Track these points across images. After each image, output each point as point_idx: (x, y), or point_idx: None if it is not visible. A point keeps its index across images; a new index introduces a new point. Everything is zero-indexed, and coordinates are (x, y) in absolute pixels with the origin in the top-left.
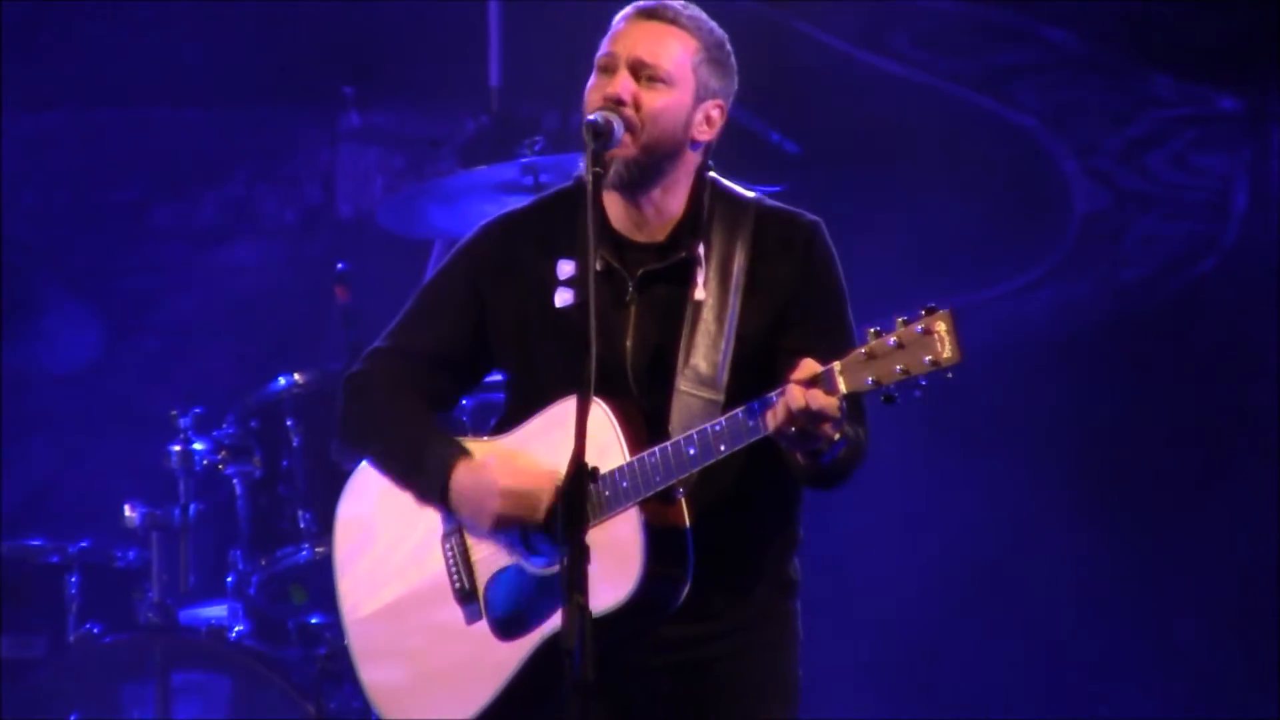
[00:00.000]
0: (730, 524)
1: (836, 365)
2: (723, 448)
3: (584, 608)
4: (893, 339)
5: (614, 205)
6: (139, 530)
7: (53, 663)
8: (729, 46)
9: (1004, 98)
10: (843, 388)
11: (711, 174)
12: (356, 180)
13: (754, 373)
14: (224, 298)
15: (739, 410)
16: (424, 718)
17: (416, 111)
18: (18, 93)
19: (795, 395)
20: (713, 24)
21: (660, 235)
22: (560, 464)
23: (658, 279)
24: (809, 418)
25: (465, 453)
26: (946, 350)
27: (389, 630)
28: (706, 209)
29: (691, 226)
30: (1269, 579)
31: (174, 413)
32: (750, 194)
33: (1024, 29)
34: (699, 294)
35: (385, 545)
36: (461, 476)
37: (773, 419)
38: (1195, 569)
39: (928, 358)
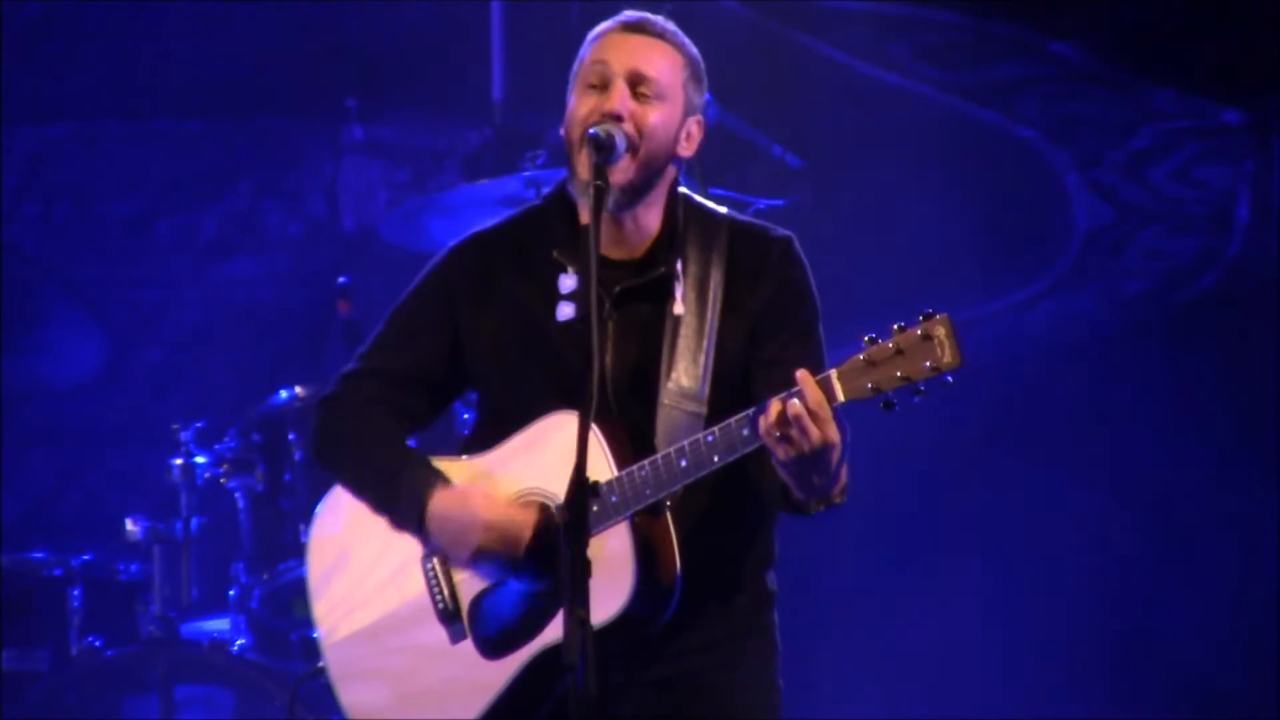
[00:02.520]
0: (712, 540)
1: (833, 372)
2: (716, 458)
3: (585, 622)
4: (891, 344)
5: None
6: (141, 543)
7: (55, 676)
8: (702, 63)
9: (1006, 110)
10: (840, 395)
11: (683, 190)
12: (359, 193)
13: (734, 385)
14: (226, 311)
15: (731, 420)
16: None
17: (420, 125)
18: (21, 105)
19: (792, 402)
20: (688, 40)
21: (637, 252)
22: (542, 482)
23: (635, 296)
24: (800, 424)
25: (441, 480)
26: (947, 355)
27: (369, 651)
28: (681, 225)
29: (668, 243)
30: (1271, 590)
31: (176, 426)
32: (722, 210)
33: (1026, 42)
34: (678, 309)
35: (362, 566)
36: (440, 506)
37: (764, 424)
38: (1197, 579)
39: (927, 363)
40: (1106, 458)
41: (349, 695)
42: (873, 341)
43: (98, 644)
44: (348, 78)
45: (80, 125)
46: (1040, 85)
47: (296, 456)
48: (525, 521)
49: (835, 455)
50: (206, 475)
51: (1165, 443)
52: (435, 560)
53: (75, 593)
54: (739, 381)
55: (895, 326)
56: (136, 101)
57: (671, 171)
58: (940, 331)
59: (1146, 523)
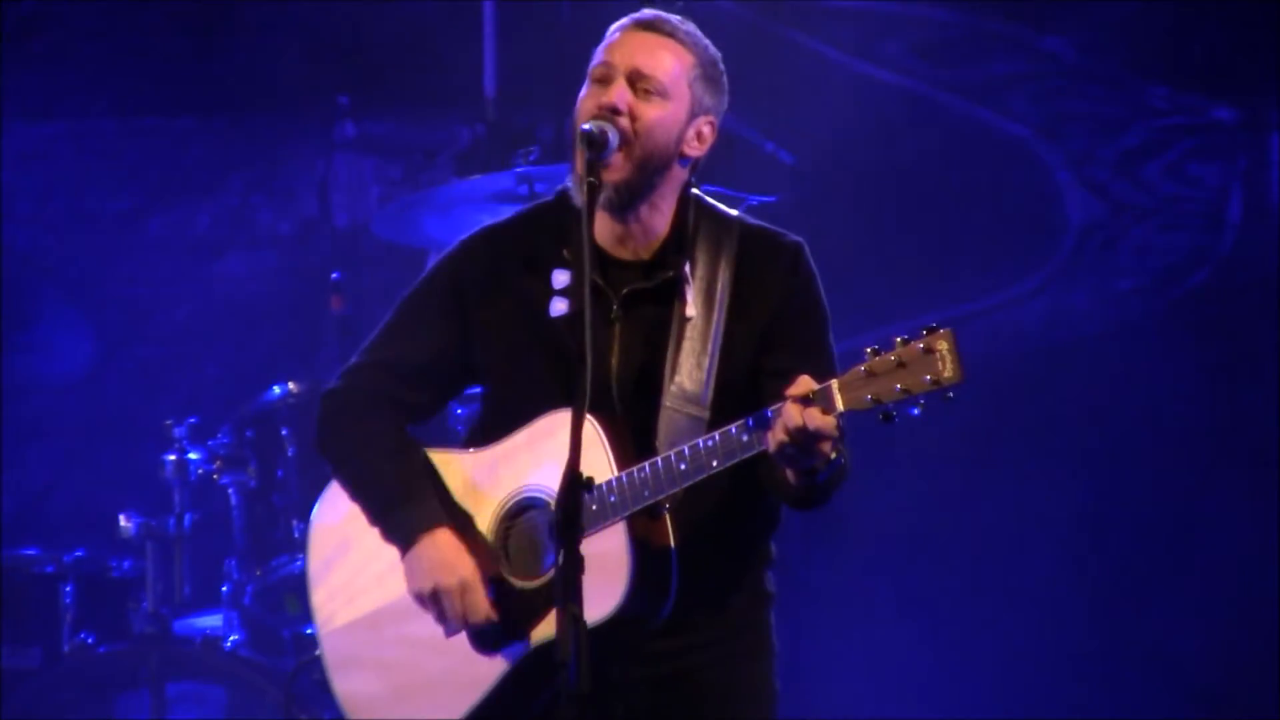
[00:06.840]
0: (712, 540)
1: (834, 383)
2: (715, 463)
3: (578, 618)
4: (893, 357)
5: (600, 222)
6: (134, 540)
7: (48, 672)
8: (721, 64)
9: (999, 107)
10: (840, 405)
11: (695, 191)
12: (351, 190)
13: (737, 391)
14: (219, 307)
15: (733, 425)
16: None
17: (412, 121)
18: (14, 102)
19: (792, 413)
20: (707, 41)
21: (645, 253)
22: (543, 479)
23: (643, 298)
24: (806, 436)
25: (429, 526)
26: (948, 369)
27: (365, 641)
28: (691, 227)
29: (677, 245)
30: (1267, 586)
31: (169, 422)
32: (733, 212)
33: (1019, 39)
34: (690, 311)
35: (363, 555)
36: (422, 550)
37: (771, 437)
38: (1193, 576)
39: (928, 376)
40: (1099, 455)
41: (344, 684)
42: (875, 353)
43: (90, 641)
44: (340, 74)
45: (72, 123)
46: (1033, 82)
47: (289, 452)
48: (477, 589)
49: (834, 456)
50: (199, 471)
51: (1159, 439)
52: None
53: (68, 589)
54: (743, 387)
55: (898, 339)
56: (128, 99)
57: (679, 172)
58: (943, 345)
59: (1139, 520)
